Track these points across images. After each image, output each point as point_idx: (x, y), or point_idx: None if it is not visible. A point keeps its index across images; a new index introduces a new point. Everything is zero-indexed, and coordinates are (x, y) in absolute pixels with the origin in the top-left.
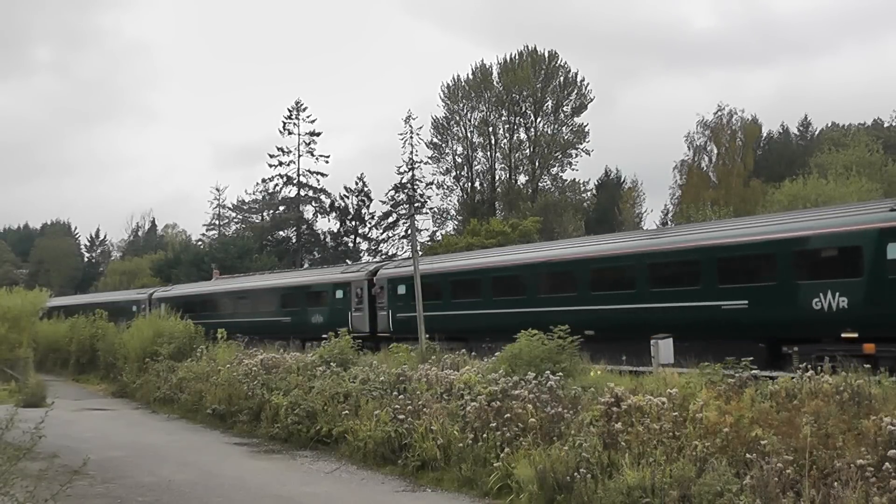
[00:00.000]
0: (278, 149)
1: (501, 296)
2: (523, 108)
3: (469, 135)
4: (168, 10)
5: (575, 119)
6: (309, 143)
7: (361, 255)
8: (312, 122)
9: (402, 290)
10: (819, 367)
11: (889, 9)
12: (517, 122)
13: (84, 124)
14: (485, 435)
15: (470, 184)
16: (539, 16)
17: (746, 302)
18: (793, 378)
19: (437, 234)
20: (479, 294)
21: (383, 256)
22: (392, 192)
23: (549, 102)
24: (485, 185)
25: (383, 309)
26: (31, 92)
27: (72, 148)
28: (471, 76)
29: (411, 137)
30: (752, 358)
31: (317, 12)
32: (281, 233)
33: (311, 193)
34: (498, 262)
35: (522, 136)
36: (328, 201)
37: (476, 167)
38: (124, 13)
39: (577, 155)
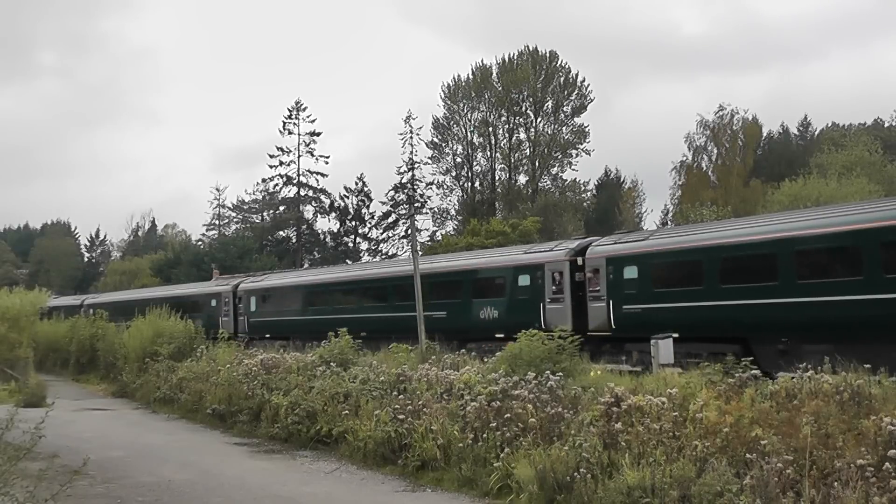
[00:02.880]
0: (278, 149)
1: (813, 277)
2: (523, 109)
3: (469, 135)
4: (169, 14)
5: (575, 119)
6: (309, 143)
7: (361, 255)
8: (312, 122)
9: (630, 272)
10: (819, 367)
11: (875, 14)
12: (517, 122)
13: (87, 127)
14: (485, 435)
15: (470, 184)
16: (531, 21)
17: None
18: (793, 378)
19: (437, 234)
20: (772, 275)
21: (384, 255)
22: (392, 192)
23: (549, 102)
24: (485, 185)
25: (598, 299)
26: (34, 95)
27: (74, 150)
28: (471, 76)
29: (411, 137)
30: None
31: (312, 16)
32: (281, 233)
33: (311, 193)
34: (812, 229)
35: (522, 136)
36: (328, 201)
37: (476, 167)
38: (127, 18)
39: (577, 155)
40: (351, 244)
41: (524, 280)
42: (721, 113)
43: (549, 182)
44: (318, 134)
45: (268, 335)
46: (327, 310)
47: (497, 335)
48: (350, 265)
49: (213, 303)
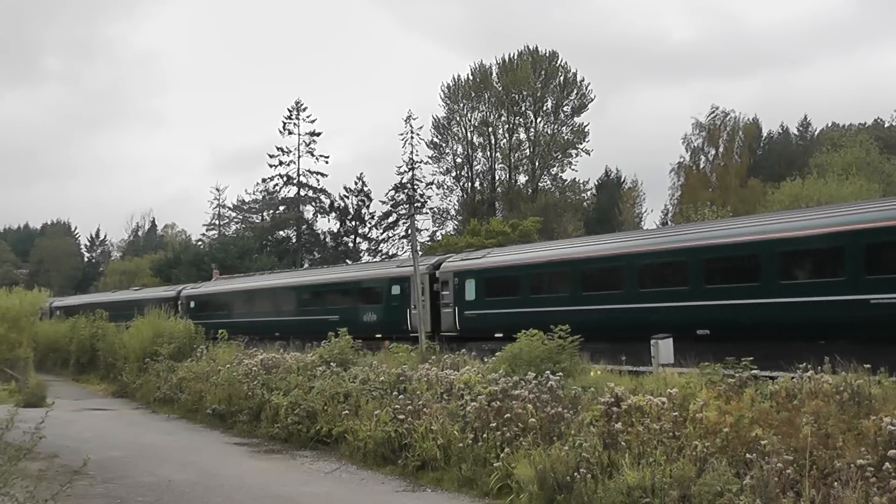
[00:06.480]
0: (278, 149)
1: None
2: (523, 108)
3: (469, 135)
4: (173, 18)
5: (575, 119)
6: (309, 143)
7: (361, 255)
8: (312, 122)
9: None
10: (819, 367)
11: (857, 20)
12: (517, 122)
13: (89, 130)
14: (485, 435)
15: (470, 184)
16: (522, 27)
17: None
18: (793, 378)
19: (437, 234)
20: None
21: (385, 256)
22: (392, 192)
23: (549, 102)
24: (485, 185)
25: None
26: (40, 99)
27: (76, 152)
28: (470, 76)
29: (411, 137)
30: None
31: (310, 20)
32: (281, 233)
33: (311, 193)
34: None
35: (522, 136)
36: (328, 201)
37: (476, 167)
38: (132, 24)
39: (577, 155)
40: (351, 244)
41: None
42: (714, 114)
43: (549, 182)
44: (318, 134)
45: (499, 335)
46: (622, 295)
47: None
48: (663, 228)
49: (395, 290)
